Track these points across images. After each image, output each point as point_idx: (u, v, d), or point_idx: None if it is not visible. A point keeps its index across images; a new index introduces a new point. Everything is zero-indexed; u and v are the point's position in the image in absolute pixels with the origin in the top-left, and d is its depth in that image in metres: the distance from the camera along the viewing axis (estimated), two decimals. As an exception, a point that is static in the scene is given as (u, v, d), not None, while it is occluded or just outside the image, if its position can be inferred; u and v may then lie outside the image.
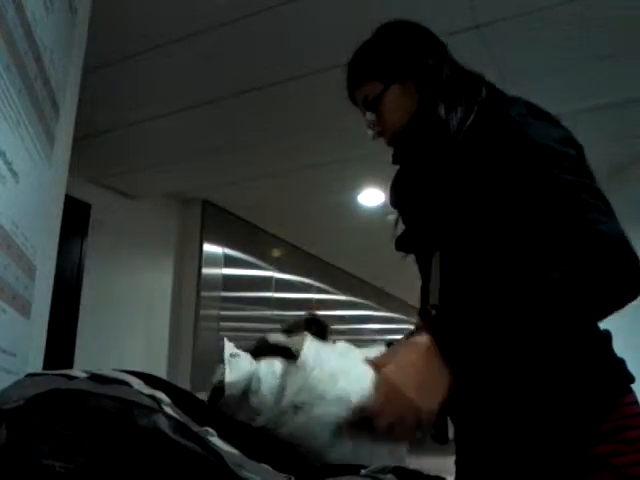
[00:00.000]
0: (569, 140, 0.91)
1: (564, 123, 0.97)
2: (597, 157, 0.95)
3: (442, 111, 0.96)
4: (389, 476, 0.67)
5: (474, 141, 0.91)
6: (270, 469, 0.62)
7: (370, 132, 1.07)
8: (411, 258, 1.08)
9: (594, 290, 0.76)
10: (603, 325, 0.91)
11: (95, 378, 0.65)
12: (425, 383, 0.74)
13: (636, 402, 0.86)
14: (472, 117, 0.94)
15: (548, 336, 0.77)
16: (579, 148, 0.90)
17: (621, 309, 0.78)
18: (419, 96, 1.01)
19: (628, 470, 0.80)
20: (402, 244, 1.04)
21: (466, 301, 0.82)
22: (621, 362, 0.89)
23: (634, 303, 0.81)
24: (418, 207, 0.99)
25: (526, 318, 0.75)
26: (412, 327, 1.09)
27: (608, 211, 0.81)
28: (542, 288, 0.75)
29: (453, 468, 1.01)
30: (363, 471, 0.67)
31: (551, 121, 0.93)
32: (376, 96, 1.02)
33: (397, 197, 1.06)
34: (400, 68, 1.02)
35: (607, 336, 0.91)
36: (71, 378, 0.65)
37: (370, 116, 1.05)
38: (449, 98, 0.98)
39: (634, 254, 0.77)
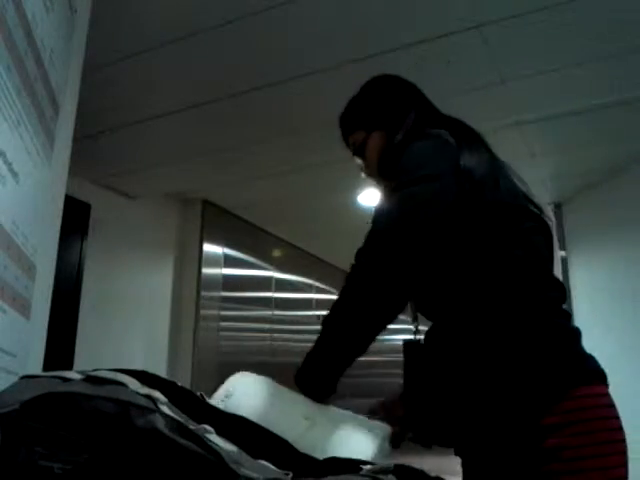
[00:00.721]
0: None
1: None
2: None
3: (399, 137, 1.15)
4: (389, 476, 0.67)
5: None
6: (269, 465, 0.62)
7: (362, 175, 1.27)
8: None
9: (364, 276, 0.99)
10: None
11: (90, 380, 0.64)
12: None
13: (597, 395, 0.86)
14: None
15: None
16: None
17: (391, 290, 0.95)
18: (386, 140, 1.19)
19: (579, 463, 0.80)
20: None
21: None
22: (585, 357, 0.90)
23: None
24: None
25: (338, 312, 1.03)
26: (413, 328, 1.12)
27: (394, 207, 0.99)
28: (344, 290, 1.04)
29: (453, 468, 1.01)
30: (363, 470, 0.67)
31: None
32: (361, 143, 1.22)
33: None
34: (377, 118, 1.21)
35: (574, 332, 0.93)
36: (66, 380, 0.65)
37: (358, 161, 1.25)
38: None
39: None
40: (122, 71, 2.28)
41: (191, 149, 3.07)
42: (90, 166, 3.04)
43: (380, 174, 1.19)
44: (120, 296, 3.44)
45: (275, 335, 4.88)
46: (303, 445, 0.75)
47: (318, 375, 0.96)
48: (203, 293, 3.95)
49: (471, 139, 1.11)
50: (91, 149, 2.81)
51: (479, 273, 0.95)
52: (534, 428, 0.83)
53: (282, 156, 3.13)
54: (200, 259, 3.98)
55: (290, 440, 0.74)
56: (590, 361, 0.90)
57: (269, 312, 4.82)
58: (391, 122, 1.19)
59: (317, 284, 5.78)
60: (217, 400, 0.88)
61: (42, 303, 1.25)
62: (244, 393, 0.89)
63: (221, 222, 4.21)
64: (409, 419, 0.98)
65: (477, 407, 0.90)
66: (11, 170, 0.96)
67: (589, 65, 2.20)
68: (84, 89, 1.54)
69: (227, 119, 2.69)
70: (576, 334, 0.93)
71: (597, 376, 0.88)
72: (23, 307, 1.09)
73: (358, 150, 1.23)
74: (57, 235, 1.37)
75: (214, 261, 4.12)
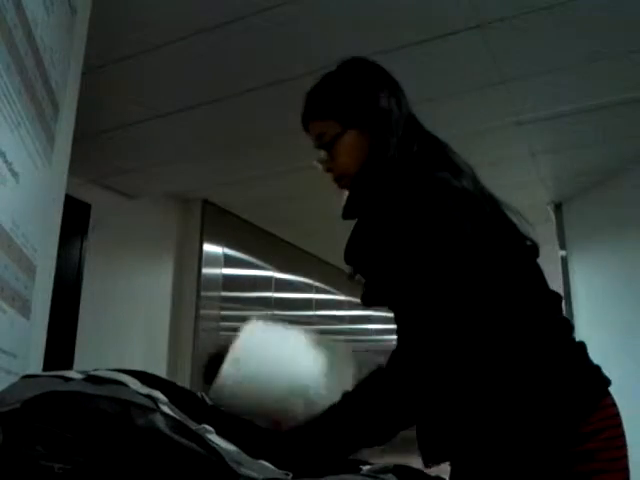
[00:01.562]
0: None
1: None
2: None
3: (392, 151, 1.01)
4: (389, 475, 0.67)
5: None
6: (269, 465, 0.62)
7: (319, 166, 1.10)
8: None
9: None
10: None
11: (91, 379, 0.65)
12: None
13: (614, 404, 0.93)
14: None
15: None
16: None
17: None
18: (369, 147, 1.04)
19: (613, 464, 0.87)
20: (366, 300, 1.07)
21: None
22: (598, 368, 0.96)
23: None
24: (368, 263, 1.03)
25: None
26: None
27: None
28: None
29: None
30: (363, 469, 0.67)
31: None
32: (333, 137, 1.05)
33: (347, 253, 1.08)
34: (360, 116, 1.05)
35: (582, 346, 0.97)
36: (67, 380, 0.65)
37: (323, 155, 1.08)
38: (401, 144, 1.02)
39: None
40: (122, 71, 2.27)
41: (191, 149, 3.07)
42: (90, 166, 3.04)
43: (353, 186, 1.06)
44: (120, 296, 3.44)
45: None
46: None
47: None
48: (203, 293, 3.95)
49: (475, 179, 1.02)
50: (91, 149, 2.81)
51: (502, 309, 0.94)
52: (574, 436, 0.87)
53: (282, 156, 3.13)
54: (200, 259, 3.98)
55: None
56: (602, 372, 0.95)
57: (269, 312, 4.82)
58: (382, 130, 1.03)
59: (317, 284, 5.78)
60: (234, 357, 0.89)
61: (42, 303, 1.25)
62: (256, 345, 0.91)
63: (221, 222, 4.21)
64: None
65: (505, 423, 0.91)
66: (11, 170, 0.96)
67: (589, 65, 2.20)
68: (84, 89, 1.54)
69: (227, 119, 2.69)
70: (585, 347, 0.98)
71: (609, 385, 0.95)
72: (23, 307, 1.09)
73: (327, 144, 1.06)
74: (57, 235, 1.37)
75: (214, 261, 4.12)
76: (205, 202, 4.05)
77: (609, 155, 3.03)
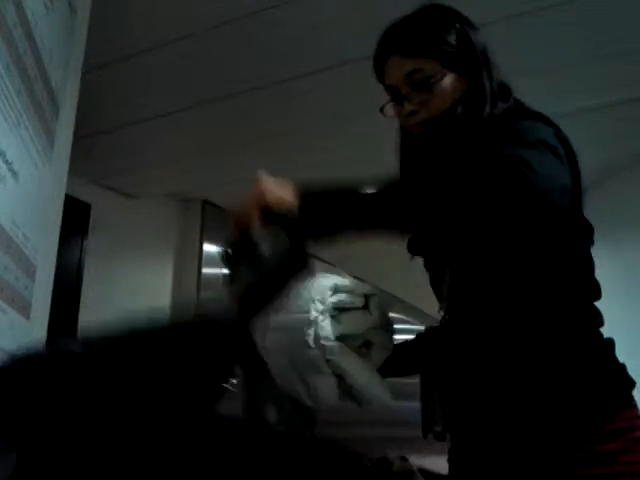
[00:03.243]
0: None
1: (564, 123, 0.99)
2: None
3: (487, 107, 0.98)
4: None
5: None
6: None
7: (391, 106, 1.02)
8: (417, 261, 1.09)
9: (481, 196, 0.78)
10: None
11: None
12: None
13: (636, 405, 0.90)
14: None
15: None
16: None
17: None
18: (464, 94, 0.99)
19: (637, 467, 0.83)
20: (414, 247, 1.05)
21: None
22: (623, 368, 0.93)
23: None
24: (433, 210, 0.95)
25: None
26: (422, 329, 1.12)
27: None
28: None
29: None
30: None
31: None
32: (435, 76, 0.97)
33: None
34: (463, 59, 1.00)
35: (611, 343, 0.95)
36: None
37: (414, 90, 0.98)
38: (494, 102, 1.00)
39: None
40: (122, 71, 2.27)
41: (191, 149, 3.07)
42: (90, 166, 3.04)
43: (443, 127, 0.97)
44: (120, 296, 3.44)
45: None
46: None
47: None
48: (203, 293, 3.94)
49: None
50: (91, 149, 2.81)
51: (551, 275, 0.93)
52: (598, 434, 0.85)
53: (282, 156, 3.13)
54: (200, 259, 3.98)
55: None
56: (627, 371, 0.93)
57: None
58: (482, 77, 1.00)
59: (317, 284, 5.78)
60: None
61: (42, 303, 1.25)
62: None
63: (221, 222, 4.21)
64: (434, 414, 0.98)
65: (525, 418, 0.89)
66: (11, 170, 0.96)
67: (589, 65, 2.20)
68: (84, 89, 1.54)
69: (227, 119, 2.69)
70: (614, 344, 0.96)
71: (634, 386, 0.92)
72: (23, 307, 1.09)
73: (423, 83, 0.97)
74: (57, 235, 1.37)
75: (214, 261, 4.11)
76: (205, 202, 4.05)
77: (609, 155, 3.03)
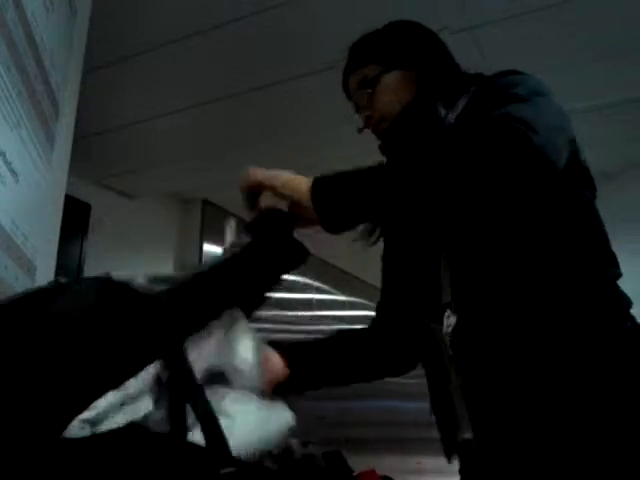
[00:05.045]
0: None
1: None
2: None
3: (441, 108, 0.95)
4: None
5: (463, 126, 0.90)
6: None
7: (358, 118, 1.06)
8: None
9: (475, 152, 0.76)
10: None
11: None
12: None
13: None
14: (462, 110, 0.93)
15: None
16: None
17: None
18: (416, 87, 1.00)
19: None
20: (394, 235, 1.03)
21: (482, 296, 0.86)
22: None
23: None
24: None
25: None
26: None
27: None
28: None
29: (453, 468, 0.99)
30: None
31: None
32: (374, 77, 1.01)
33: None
34: (402, 55, 1.02)
35: (628, 303, 0.88)
36: None
37: (362, 95, 1.02)
38: (448, 95, 0.96)
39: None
40: (122, 71, 2.27)
41: (191, 149, 3.07)
42: (90, 166, 3.04)
43: (401, 124, 0.98)
44: (120, 296, 3.44)
45: (274, 335, 4.88)
46: None
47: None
48: (203, 293, 3.94)
49: None
50: (91, 149, 2.81)
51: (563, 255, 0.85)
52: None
53: (282, 156, 3.13)
54: (200, 259, 3.97)
55: None
56: None
57: (269, 312, 4.82)
58: (430, 68, 1.00)
59: (317, 284, 5.78)
60: None
61: (42, 303, 1.24)
62: None
63: (221, 222, 4.21)
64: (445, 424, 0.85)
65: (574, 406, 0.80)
66: (11, 170, 0.96)
67: (588, 65, 2.20)
68: (84, 89, 1.54)
69: (227, 119, 2.69)
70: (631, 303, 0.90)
71: None
72: (23, 307, 1.09)
73: (367, 84, 1.01)
74: (57, 235, 1.37)
75: (214, 261, 4.11)
76: (205, 202, 4.05)
77: (609, 155, 3.03)
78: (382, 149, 1.05)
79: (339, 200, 0.83)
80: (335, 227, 0.84)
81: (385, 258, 1.15)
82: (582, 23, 1.97)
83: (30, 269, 1.13)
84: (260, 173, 0.88)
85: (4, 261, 0.95)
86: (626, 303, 0.88)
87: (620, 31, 2.01)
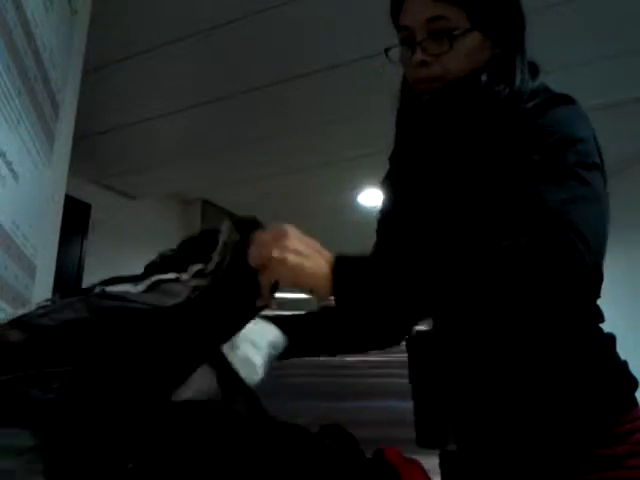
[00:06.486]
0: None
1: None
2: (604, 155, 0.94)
3: (518, 81, 0.87)
4: None
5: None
6: None
7: (403, 53, 0.88)
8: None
9: (527, 267, 0.67)
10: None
11: None
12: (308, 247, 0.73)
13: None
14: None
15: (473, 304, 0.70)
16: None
17: (562, 292, 0.70)
18: (488, 61, 0.86)
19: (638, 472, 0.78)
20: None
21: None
22: (626, 366, 0.87)
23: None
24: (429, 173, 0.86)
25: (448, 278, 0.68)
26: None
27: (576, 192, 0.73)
28: (478, 259, 0.68)
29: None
30: None
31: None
32: (458, 29, 0.82)
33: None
34: (496, 19, 0.86)
35: (612, 340, 0.89)
36: None
37: (431, 41, 0.83)
38: (523, 76, 0.89)
39: (575, 233, 0.67)
40: (122, 71, 2.27)
41: (191, 149, 3.07)
42: (90, 166, 3.04)
43: (459, 95, 0.84)
44: (120, 296, 3.44)
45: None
46: None
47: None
48: (203, 293, 3.94)
49: None
50: (91, 149, 2.81)
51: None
52: (603, 437, 0.80)
53: (282, 156, 3.13)
54: (200, 259, 3.98)
55: None
56: (629, 369, 0.87)
57: (269, 312, 4.81)
58: (514, 44, 0.87)
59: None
60: None
61: (42, 303, 1.25)
62: None
63: (221, 222, 4.21)
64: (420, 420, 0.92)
65: (527, 420, 0.83)
66: (11, 170, 0.96)
67: (589, 65, 2.20)
68: (84, 89, 1.54)
69: (227, 119, 2.69)
70: (615, 340, 0.89)
71: (637, 386, 0.87)
72: (23, 307, 1.09)
73: (444, 33, 0.82)
74: (57, 235, 1.37)
75: (214, 261, 4.11)
76: (205, 202, 4.05)
77: (609, 155, 3.03)
78: (419, 107, 0.88)
79: (364, 301, 0.76)
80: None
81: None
82: (584, 22, 1.97)
83: (30, 269, 1.13)
84: (266, 251, 0.71)
85: (4, 261, 0.95)
86: (601, 315, 0.89)
87: (622, 32, 2.02)
